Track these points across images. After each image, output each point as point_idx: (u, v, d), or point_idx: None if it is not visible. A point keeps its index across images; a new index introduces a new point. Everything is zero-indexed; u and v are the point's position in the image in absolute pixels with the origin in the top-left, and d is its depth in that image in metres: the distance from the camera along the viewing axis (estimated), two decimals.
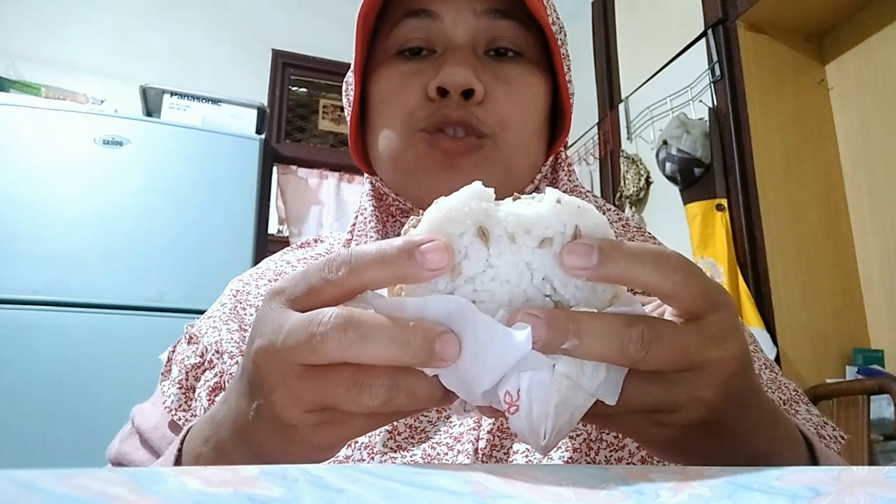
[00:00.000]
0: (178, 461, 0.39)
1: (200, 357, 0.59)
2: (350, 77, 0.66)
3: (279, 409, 0.31)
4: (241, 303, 0.64)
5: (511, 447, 0.49)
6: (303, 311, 0.31)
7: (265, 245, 2.61)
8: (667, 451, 0.36)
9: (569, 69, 0.63)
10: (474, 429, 0.50)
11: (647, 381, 0.31)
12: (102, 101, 2.67)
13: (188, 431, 0.40)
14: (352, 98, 0.64)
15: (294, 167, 3.31)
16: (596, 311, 0.30)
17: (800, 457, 0.38)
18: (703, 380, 0.31)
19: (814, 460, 0.39)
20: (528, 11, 0.59)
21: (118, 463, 0.57)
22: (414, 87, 0.58)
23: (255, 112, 2.78)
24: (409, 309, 0.30)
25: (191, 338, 0.62)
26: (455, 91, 0.56)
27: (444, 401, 0.31)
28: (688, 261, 0.31)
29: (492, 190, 0.32)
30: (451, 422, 0.52)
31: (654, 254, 0.30)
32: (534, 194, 0.32)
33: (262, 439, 0.33)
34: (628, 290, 0.33)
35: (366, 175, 0.67)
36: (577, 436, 0.49)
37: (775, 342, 1.99)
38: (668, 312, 0.33)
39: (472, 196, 0.31)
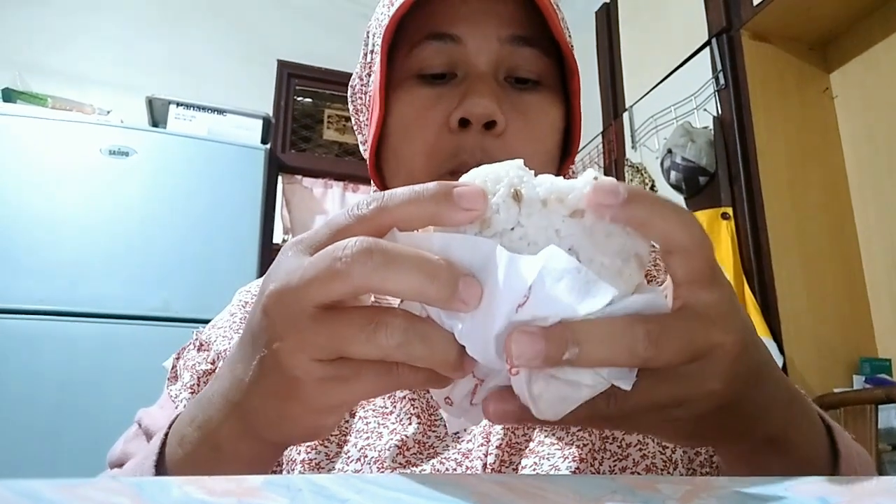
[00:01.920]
0: (163, 446, 0.39)
1: (212, 364, 0.60)
2: (356, 82, 0.66)
3: (286, 358, 0.30)
4: (249, 314, 0.64)
5: (520, 463, 0.50)
6: None
7: (270, 254, 2.61)
8: (681, 440, 0.35)
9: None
10: (483, 445, 0.50)
11: (657, 377, 0.30)
12: (109, 112, 2.69)
13: (176, 418, 0.40)
14: (364, 112, 0.64)
15: (299, 177, 3.32)
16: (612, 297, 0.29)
17: (819, 438, 0.38)
18: (710, 369, 0.30)
19: (832, 442, 0.39)
20: (549, 36, 0.59)
21: (121, 464, 0.57)
22: (434, 117, 0.58)
23: (260, 122, 2.80)
24: (435, 244, 0.29)
25: (201, 344, 0.63)
26: (478, 123, 0.56)
27: (458, 366, 0.30)
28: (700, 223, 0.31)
29: (532, 171, 0.32)
30: (458, 437, 0.52)
31: (677, 206, 0.30)
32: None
33: (259, 404, 0.32)
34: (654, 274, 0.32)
35: (374, 188, 0.67)
36: (583, 446, 0.49)
37: (782, 351, 1.98)
38: (668, 289, 0.32)
39: (513, 166, 0.31)
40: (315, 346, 0.29)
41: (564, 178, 0.66)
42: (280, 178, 3.22)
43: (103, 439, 0.66)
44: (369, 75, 0.62)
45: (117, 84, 2.95)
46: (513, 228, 0.30)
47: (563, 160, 0.66)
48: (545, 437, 0.50)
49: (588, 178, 0.31)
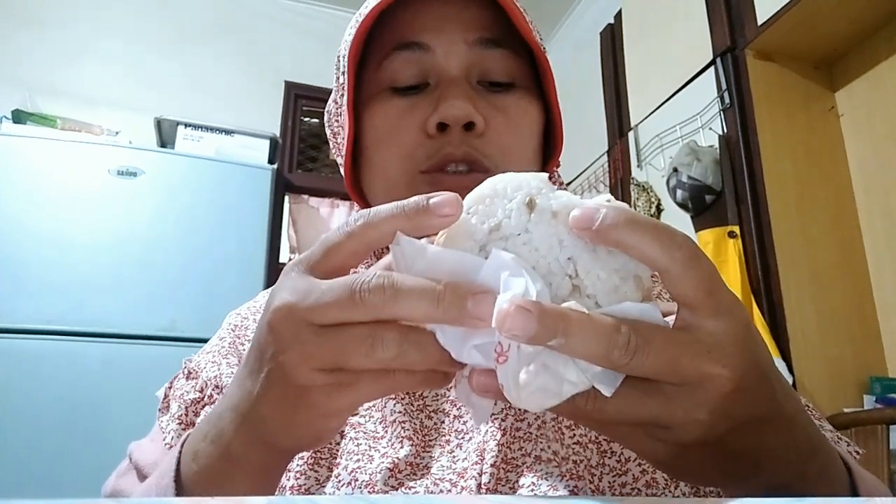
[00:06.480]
0: (178, 464, 0.40)
1: (200, 392, 0.59)
2: (332, 107, 0.66)
3: (291, 370, 0.32)
4: (239, 337, 0.63)
5: (517, 481, 0.48)
6: (323, 273, 0.33)
7: (276, 273, 2.60)
8: (668, 468, 0.34)
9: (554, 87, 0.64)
10: (477, 462, 0.49)
11: (643, 392, 0.30)
12: (117, 133, 2.71)
13: (188, 436, 0.41)
14: (341, 133, 0.63)
15: (305, 196, 3.33)
16: (587, 310, 0.30)
17: (840, 485, 0.36)
18: (699, 398, 0.30)
19: (853, 488, 0.37)
20: (517, 36, 0.59)
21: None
22: (411, 124, 0.58)
23: (267, 142, 2.81)
24: (428, 255, 0.32)
25: (189, 373, 0.62)
26: (456, 125, 0.56)
27: (452, 363, 0.32)
28: (697, 247, 0.31)
29: (555, 186, 0.34)
30: (454, 456, 0.51)
31: (660, 226, 0.30)
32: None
33: (268, 412, 0.34)
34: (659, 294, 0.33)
35: (356, 207, 0.67)
36: (580, 462, 0.48)
37: (791, 371, 1.96)
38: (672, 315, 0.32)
39: (537, 177, 0.34)
40: (317, 359, 0.31)
41: (550, 178, 0.66)
42: (287, 198, 3.23)
43: (108, 459, 0.66)
44: (343, 96, 0.62)
45: (126, 105, 2.98)
46: (519, 234, 0.32)
47: (547, 160, 0.66)
48: (541, 451, 0.49)
49: (601, 199, 0.32)
